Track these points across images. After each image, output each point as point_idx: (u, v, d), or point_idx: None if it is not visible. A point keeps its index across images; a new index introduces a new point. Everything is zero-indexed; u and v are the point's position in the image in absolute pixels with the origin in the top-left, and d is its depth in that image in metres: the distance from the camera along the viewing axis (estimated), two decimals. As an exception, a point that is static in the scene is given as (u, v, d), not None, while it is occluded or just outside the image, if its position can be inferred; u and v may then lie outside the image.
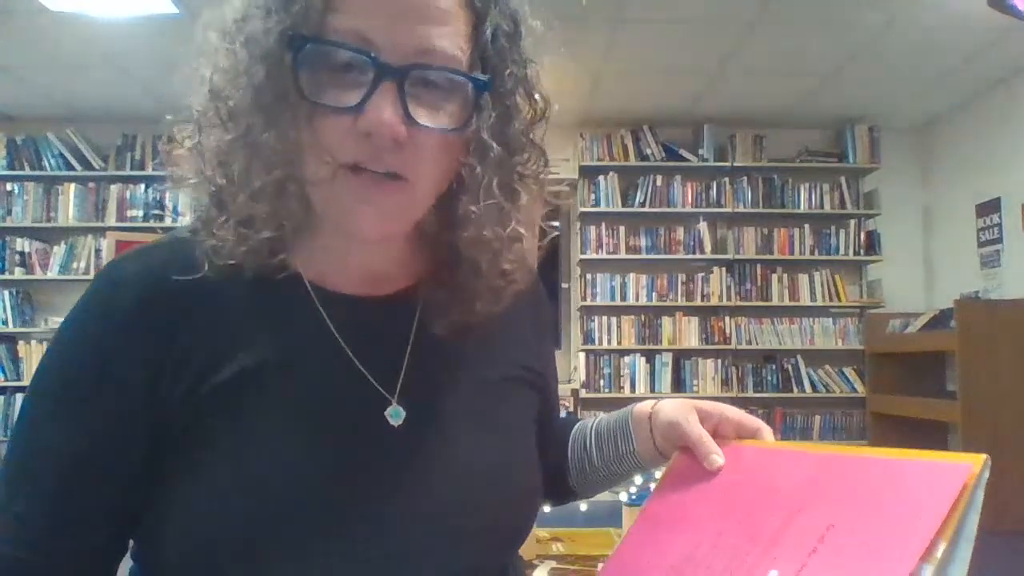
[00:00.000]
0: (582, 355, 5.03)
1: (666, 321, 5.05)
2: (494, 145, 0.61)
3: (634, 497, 3.09)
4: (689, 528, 0.64)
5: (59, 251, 4.92)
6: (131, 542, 0.64)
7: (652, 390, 4.96)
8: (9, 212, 4.92)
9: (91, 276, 4.88)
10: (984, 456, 0.51)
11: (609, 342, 5.04)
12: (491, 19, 0.60)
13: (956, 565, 0.48)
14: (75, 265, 4.90)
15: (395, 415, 0.63)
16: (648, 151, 5.11)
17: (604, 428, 0.80)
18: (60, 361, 0.61)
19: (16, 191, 4.93)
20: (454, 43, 0.58)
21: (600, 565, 1.80)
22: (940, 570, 0.47)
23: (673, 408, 0.73)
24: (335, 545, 0.58)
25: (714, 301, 5.05)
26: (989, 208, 4.63)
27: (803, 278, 5.10)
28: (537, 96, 0.65)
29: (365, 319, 0.65)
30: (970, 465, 0.50)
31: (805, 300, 5.07)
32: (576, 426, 0.85)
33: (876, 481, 0.55)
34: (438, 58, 0.57)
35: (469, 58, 0.59)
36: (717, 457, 0.67)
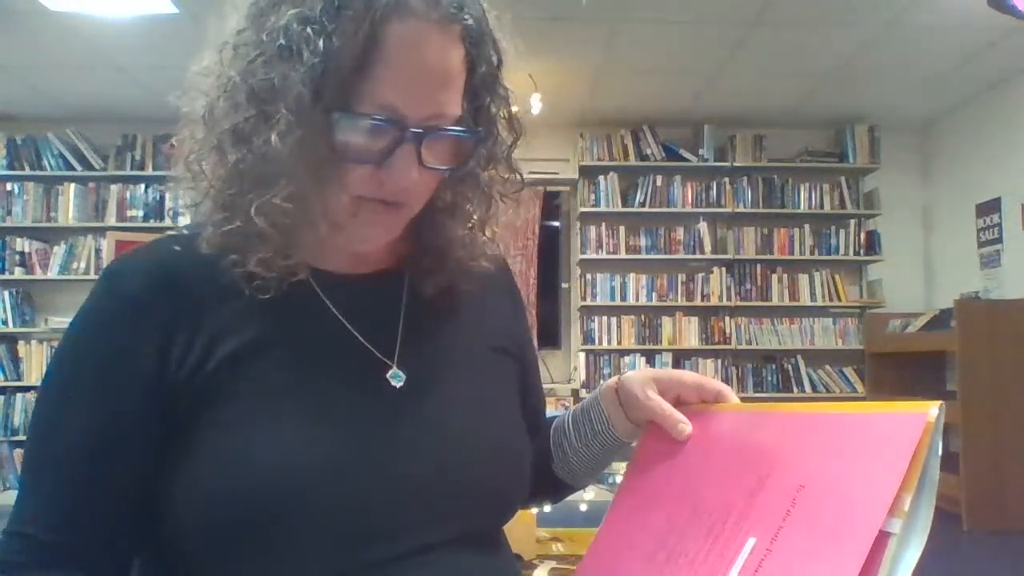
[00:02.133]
0: (582, 355, 5.03)
1: (666, 321, 5.05)
2: (481, 173, 0.72)
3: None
4: (666, 501, 0.65)
5: (59, 251, 4.92)
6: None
7: (652, 390, 4.96)
8: (9, 212, 4.92)
9: (91, 276, 4.92)
10: (939, 402, 0.53)
11: (609, 342, 5.04)
12: (480, 64, 0.67)
13: (923, 511, 0.50)
14: (75, 265, 4.90)
15: (396, 377, 0.68)
16: (648, 151, 5.11)
17: (579, 409, 0.83)
18: (74, 349, 0.65)
19: (16, 191, 4.93)
20: (459, 103, 0.66)
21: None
22: (909, 521, 0.49)
23: (633, 381, 0.75)
24: (347, 502, 0.61)
25: (714, 301, 5.05)
26: (989, 208, 4.63)
27: (803, 278, 5.10)
28: (516, 121, 0.74)
29: (358, 293, 0.71)
30: (925, 413, 0.52)
31: (805, 300, 5.07)
32: (559, 416, 0.88)
33: (840, 436, 0.57)
34: (450, 120, 0.65)
35: (466, 110, 0.68)
36: (684, 426, 0.69)
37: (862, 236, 5.12)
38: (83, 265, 4.89)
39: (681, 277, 5.09)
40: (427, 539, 0.64)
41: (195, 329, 0.64)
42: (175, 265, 0.66)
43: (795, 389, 5.02)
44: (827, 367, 5.08)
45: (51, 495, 0.62)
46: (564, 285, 5.39)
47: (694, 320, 5.06)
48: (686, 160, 5.11)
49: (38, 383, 4.45)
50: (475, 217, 0.74)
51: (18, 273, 4.88)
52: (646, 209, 5.08)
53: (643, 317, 5.05)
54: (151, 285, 0.65)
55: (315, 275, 0.69)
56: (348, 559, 0.61)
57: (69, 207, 4.91)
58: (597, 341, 5.03)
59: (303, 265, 0.67)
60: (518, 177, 0.75)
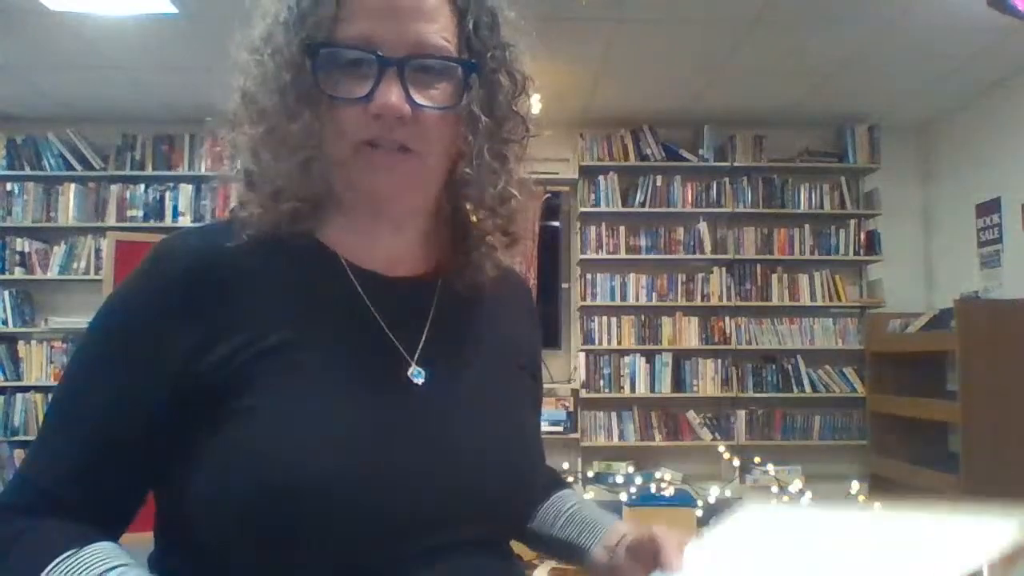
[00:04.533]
0: (582, 355, 5.03)
1: (666, 321, 5.05)
2: (483, 117, 0.72)
3: (634, 497, 3.10)
4: None
5: (59, 251, 4.91)
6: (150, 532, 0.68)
7: (652, 390, 4.96)
8: (9, 212, 4.91)
9: (91, 276, 4.93)
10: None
11: (609, 342, 5.03)
12: (471, 13, 0.71)
13: None
14: (75, 265, 4.89)
15: (417, 375, 0.71)
16: (648, 151, 5.11)
17: (579, 513, 0.85)
18: (109, 316, 0.69)
19: (16, 191, 4.92)
20: (442, 36, 0.69)
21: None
22: None
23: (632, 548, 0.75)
24: (364, 499, 0.62)
25: (714, 301, 5.05)
26: (989, 208, 4.63)
27: (803, 278, 5.09)
28: (518, 73, 0.77)
29: (391, 293, 0.73)
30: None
31: (805, 300, 5.07)
32: (564, 490, 0.90)
33: None
34: (430, 49, 0.68)
35: (456, 47, 0.71)
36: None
37: (862, 236, 5.11)
38: (83, 265, 4.88)
39: (681, 277, 5.09)
40: (442, 539, 0.65)
41: (235, 315, 0.67)
42: (219, 252, 0.69)
43: (795, 389, 5.01)
44: (827, 367, 5.07)
45: (62, 451, 0.66)
46: (564, 285, 5.39)
47: (694, 320, 5.06)
48: (686, 160, 5.11)
49: (38, 383, 4.43)
50: (495, 174, 0.75)
51: (18, 273, 4.87)
52: (646, 209, 5.07)
53: (643, 317, 5.05)
54: (194, 271, 0.68)
55: (354, 271, 0.73)
56: (364, 555, 0.62)
57: (69, 207, 4.90)
58: (597, 341, 5.03)
59: (329, 244, 0.73)
60: (524, 126, 0.78)
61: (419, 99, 0.67)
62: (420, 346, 0.72)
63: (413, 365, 0.71)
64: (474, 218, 0.75)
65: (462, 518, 0.66)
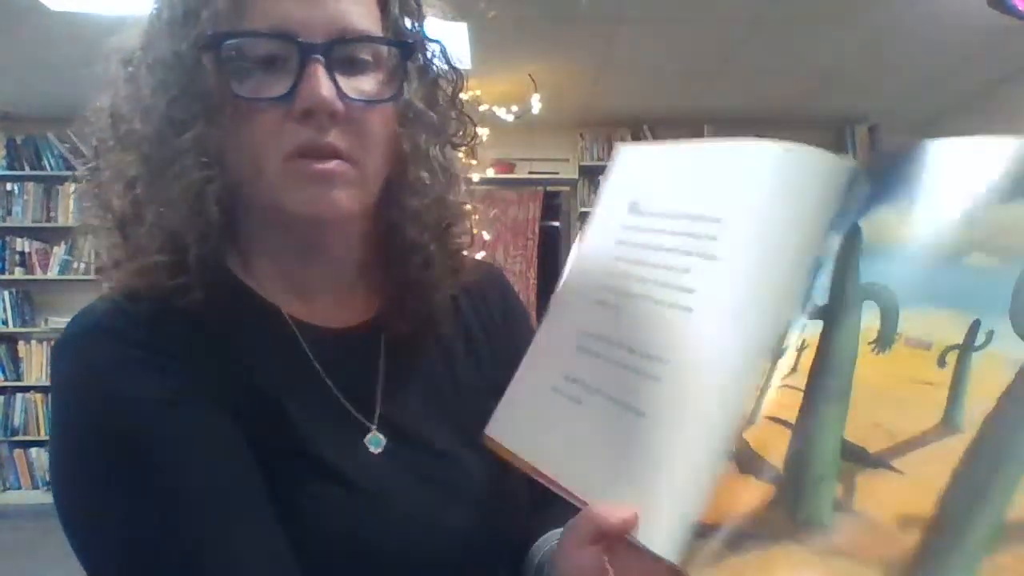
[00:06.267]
0: (582, 355, 5.02)
1: (666, 321, 5.04)
2: (426, 111, 0.62)
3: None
4: None
5: (59, 251, 4.91)
6: None
7: (652, 390, 4.95)
8: (9, 212, 4.91)
9: (91, 276, 4.87)
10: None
11: (609, 342, 5.02)
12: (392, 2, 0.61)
13: None
14: (75, 265, 4.89)
15: (375, 443, 0.63)
16: (648, 151, 5.11)
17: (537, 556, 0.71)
18: (102, 419, 0.54)
19: (16, 191, 4.92)
20: (367, 20, 0.58)
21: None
22: None
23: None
24: (346, 571, 0.58)
25: (714, 301, 5.04)
26: (989, 208, 4.63)
27: (803, 278, 5.09)
28: (456, 65, 0.66)
29: (337, 348, 0.64)
30: None
31: (805, 300, 5.06)
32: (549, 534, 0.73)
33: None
34: (356, 34, 0.57)
35: (384, 34, 0.60)
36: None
37: (862, 236, 5.11)
38: (83, 265, 4.88)
39: (681, 277, 5.08)
40: None
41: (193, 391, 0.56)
42: (150, 319, 0.57)
43: (795, 389, 5.01)
44: (827, 367, 5.07)
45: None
46: (564, 285, 5.38)
47: (694, 320, 5.05)
48: (686, 160, 5.10)
49: (38, 383, 4.37)
50: (440, 182, 0.64)
51: (18, 273, 4.88)
52: (646, 209, 5.07)
53: (643, 317, 5.04)
54: (145, 336, 0.56)
55: (298, 327, 0.63)
56: None
57: (69, 207, 4.91)
58: (597, 341, 5.02)
59: (268, 297, 0.62)
60: (469, 120, 0.68)
61: (351, 92, 0.56)
62: (376, 408, 0.64)
63: (372, 432, 0.63)
64: (416, 238, 0.64)
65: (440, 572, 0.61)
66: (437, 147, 0.64)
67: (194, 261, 0.57)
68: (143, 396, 0.54)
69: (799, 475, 0.42)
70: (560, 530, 0.56)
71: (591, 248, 0.63)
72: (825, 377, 0.44)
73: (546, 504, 0.65)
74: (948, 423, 0.38)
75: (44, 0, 3.43)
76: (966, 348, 0.39)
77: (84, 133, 0.64)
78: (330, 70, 0.55)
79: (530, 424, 0.59)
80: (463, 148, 0.67)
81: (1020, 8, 2.82)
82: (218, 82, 0.55)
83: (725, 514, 0.44)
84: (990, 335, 0.38)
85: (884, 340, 0.42)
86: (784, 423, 0.45)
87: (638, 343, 0.52)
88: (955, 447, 0.37)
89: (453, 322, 0.71)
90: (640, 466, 0.49)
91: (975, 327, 0.39)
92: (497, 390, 0.64)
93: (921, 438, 0.39)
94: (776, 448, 0.44)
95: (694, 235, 0.52)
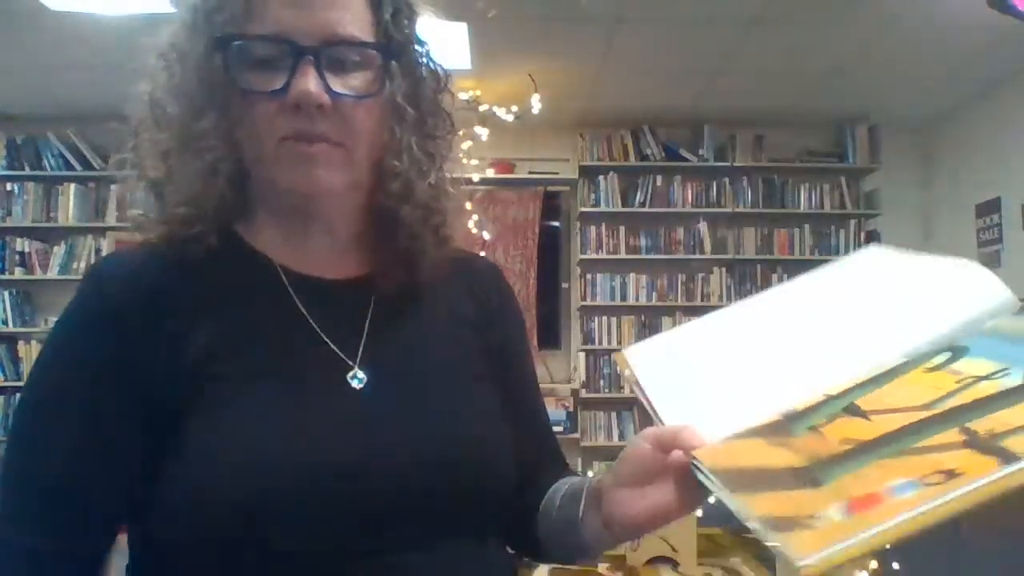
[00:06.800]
0: (582, 355, 5.02)
1: (666, 321, 5.05)
2: (408, 108, 0.71)
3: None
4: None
5: (59, 251, 4.92)
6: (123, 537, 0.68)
7: (652, 390, 4.95)
8: (9, 212, 4.91)
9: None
10: None
11: (609, 342, 5.03)
12: (386, 3, 0.70)
13: None
14: (75, 265, 4.89)
15: (357, 380, 0.69)
16: (648, 151, 5.11)
17: (575, 486, 0.75)
18: (59, 356, 0.68)
19: (16, 191, 4.92)
20: (357, 26, 0.68)
21: (601, 566, 1.79)
22: None
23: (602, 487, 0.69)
24: (315, 503, 0.62)
25: (714, 301, 5.04)
26: (989, 208, 4.63)
27: (803, 278, 5.09)
28: (439, 68, 0.76)
29: (327, 297, 0.72)
30: None
31: (805, 300, 5.06)
32: (570, 478, 0.80)
33: None
34: (345, 38, 0.67)
35: (373, 37, 0.69)
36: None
37: (862, 236, 5.11)
38: (83, 265, 4.87)
39: (681, 277, 5.09)
40: (401, 534, 0.65)
41: (174, 335, 0.66)
42: (156, 271, 0.69)
43: (795, 389, 5.01)
44: (827, 367, 5.07)
45: (40, 509, 0.65)
46: (564, 285, 5.39)
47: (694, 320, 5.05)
48: (686, 160, 5.11)
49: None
50: (423, 169, 0.73)
51: (18, 273, 4.88)
52: (646, 209, 5.07)
53: (643, 317, 5.05)
54: (133, 292, 0.67)
55: (289, 276, 0.72)
56: (325, 556, 0.62)
57: (69, 207, 4.91)
58: (597, 341, 5.03)
59: (262, 251, 0.72)
60: (450, 122, 0.77)
61: (338, 88, 0.66)
62: (360, 350, 0.70)
63: (354, 369, 0.69)
64: (403, 215, 0.73)
65: (401, 517, 0.65)
66: (414, 138, 0.72)
67: (210, 214, 0.69)
68: (73, 357, 0.67)
69: (805, 414, 0.58)
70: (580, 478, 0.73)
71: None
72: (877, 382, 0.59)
73: (550, 466, 0.82)
74: (931, 406, 0.52)
75: (44, 0, 3.43)
76: (982, 378, 0.52)
77: (110, 128, 0.78)
78: (320, 69, 0.65)
79: (669, 361, 0.78)
80: (441, 139, 0.75)
81: (1020, 8, 2.82)
82: (227, 76, 0.66)
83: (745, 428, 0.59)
84: (1005, 372, 0.52)
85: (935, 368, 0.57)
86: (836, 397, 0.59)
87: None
88: (922, 416, 0.51)
89: (444, 293, 0.78)
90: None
91: (1000, 370, 0.52)
92: (472, 360, 0.76)
93: (904, 408, 0.52)
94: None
95: None
